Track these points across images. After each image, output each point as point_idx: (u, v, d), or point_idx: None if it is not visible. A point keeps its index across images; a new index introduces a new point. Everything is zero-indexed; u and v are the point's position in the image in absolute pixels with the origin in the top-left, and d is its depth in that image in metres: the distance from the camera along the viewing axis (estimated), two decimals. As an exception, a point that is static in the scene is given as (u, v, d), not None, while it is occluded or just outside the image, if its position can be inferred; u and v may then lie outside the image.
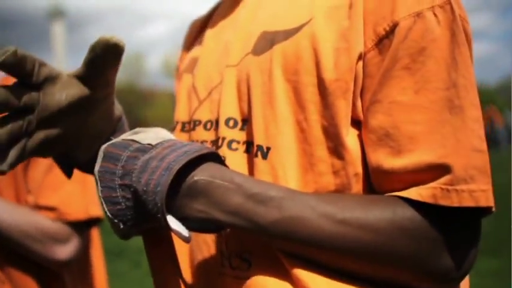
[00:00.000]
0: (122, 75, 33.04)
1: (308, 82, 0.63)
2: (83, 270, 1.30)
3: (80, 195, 1.21)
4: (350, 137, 0.62)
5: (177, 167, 0.54)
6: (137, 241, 0.64)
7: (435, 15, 0.60)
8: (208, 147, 0.59)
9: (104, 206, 0.58)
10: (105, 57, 0.58)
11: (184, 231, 0.57)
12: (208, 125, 0.73)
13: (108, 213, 0.57)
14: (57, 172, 1.13)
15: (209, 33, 0.81)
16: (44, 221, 1.17)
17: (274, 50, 0.66)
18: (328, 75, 0.61)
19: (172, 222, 0.56)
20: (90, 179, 1.23)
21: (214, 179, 0.57)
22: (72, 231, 1.19)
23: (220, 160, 0.61)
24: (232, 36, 0.74)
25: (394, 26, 0.60)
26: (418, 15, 0.59)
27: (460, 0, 0.64)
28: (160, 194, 0.54)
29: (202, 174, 0.56)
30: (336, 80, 0.61)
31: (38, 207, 1.18)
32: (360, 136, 0.63)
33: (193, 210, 0.57)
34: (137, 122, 31.21)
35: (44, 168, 1.20)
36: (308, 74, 0.63)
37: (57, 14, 47.50)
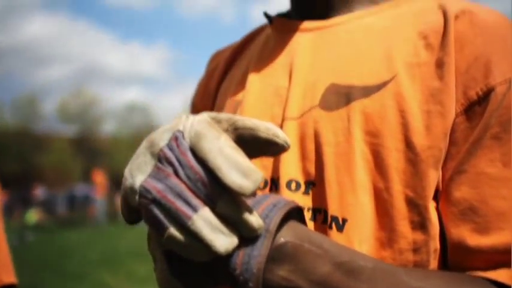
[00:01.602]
0: (15, 119, 32.03)
1: (393, 146, 0.58)
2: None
3: None
4: (432, 210, 0.58)
5: (273, 227, 0.46)
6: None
7: None
8: (291, 200, 0.51)
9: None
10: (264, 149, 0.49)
11: None
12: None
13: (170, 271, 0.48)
14: None
15: (253, 77, 0.72)
16: None
17: (352, 107, 0.61)
18: (419, 140, 0.57)
19: None
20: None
21: (303, 242, 0.49)
22: None
23: (302, 216, 0.53)
24: (285, 82, 0.68)
25: (488, 91, 0.57)
26: None
27: None
28: (259, 258, 0.45)
29: (290, 236, 0.48)
30: (429, 147, 0.57)
31: None
32: (437, 208, 0.58)
33: (277, 276, 0.48)
34: (32, 168, 30.20)
35: None
36: (393, 137, 0.58)
37: None
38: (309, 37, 0.70)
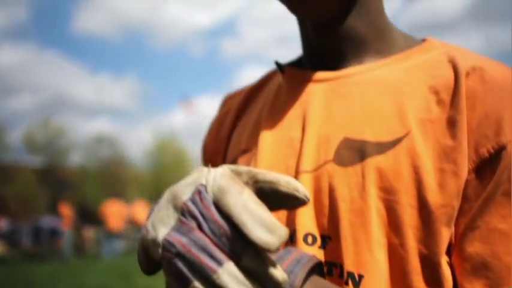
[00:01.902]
0: (-20, 150, 31.43)
1: (407, 203, 0.59)
2: None
3: None
4: (445, 265, 0.59)
5: (298, 283, 0.48)
6: None
7: None
8: (313, 255, 0.53)
9: None
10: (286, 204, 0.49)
11: None
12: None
13: None
14: None
15: (267, 129, 0.73)
16: None
17: (366, 163, 0.62)
18: (433, 198, 0.58)
19: None
20: None
21: None
22: None
23: (322, 270, 0.56)
24: (299, 134, 0.69)
25: (499, 149, 0.58)
26: None
27: None
28: None
29: None
30: (442, 205, 0.58)
31: None
32: (450, 262, 0.59)
33: None
34: (-4, 199, 29.53)
35: None
36: (407, 194, 0.59)
37: None
38: (321, 88, 0.71)
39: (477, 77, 0.62)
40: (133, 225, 15.60)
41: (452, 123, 0.60)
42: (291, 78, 0.76)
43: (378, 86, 0.68)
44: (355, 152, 0.63)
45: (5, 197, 29.32)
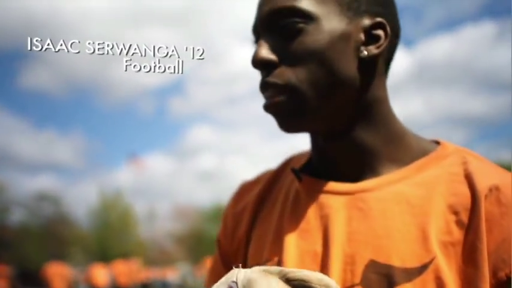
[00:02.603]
0: None
1: None
2: None
3: None
4: None
5: None
6: None
7: None
8: None
9: None
10: None
11: None
12: None
13: None
14: None
15: (289, 240, 0.73)
16: None
17: None
18: None
19: None
20: None
21: None
22: None
23: None
24: (320, 247, 0.70)
25: None
26: None
27: None
28: None
29: None
30: None
31: None
32: None
33: None
34: None
35: None
36: None
37: None
38: (341, 202, 0.72)
39: (494, 199, 0.65)
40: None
41: (473, 249, 0.63)
42: (309, 187, 0.76)
43: (399, 204, 0.69)
44: (382, 277, 0.65)
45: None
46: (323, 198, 0.73)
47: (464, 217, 0.65)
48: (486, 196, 0.65)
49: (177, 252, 33.38)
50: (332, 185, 0.74)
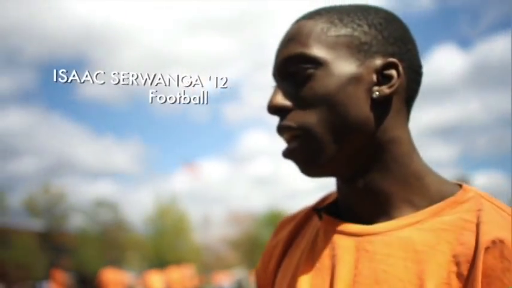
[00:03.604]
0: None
1: None
2: None
3: None
4: None
5: None
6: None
7: None
8: None
9: None
10: None
11: None
12: None
13: None
14: None
15: (303, 278, 0.77)
16: None
17: None
18: None
19: None
20: None
21: None
22: None
23: None
24: (327, 286, 0.73)
25: None
26: None
27: None
28: None
29: None
30: None
31: None
32: None
33: None
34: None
35: None
36: None
37: None
38: (350, 243, 0.74)
39: (497, 253, 0.63)
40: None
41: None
42: (327, 226, 0.79)
43: (404, 250, 0.69)
44: None
45: (3, 261, 28.86)
46: (336, 238, 0.76)
47: (465, 270, 0.64)
48: (488, 249, 0.63)
49: (232, 257, 33.56)
50: (345, 226, 0.76)
